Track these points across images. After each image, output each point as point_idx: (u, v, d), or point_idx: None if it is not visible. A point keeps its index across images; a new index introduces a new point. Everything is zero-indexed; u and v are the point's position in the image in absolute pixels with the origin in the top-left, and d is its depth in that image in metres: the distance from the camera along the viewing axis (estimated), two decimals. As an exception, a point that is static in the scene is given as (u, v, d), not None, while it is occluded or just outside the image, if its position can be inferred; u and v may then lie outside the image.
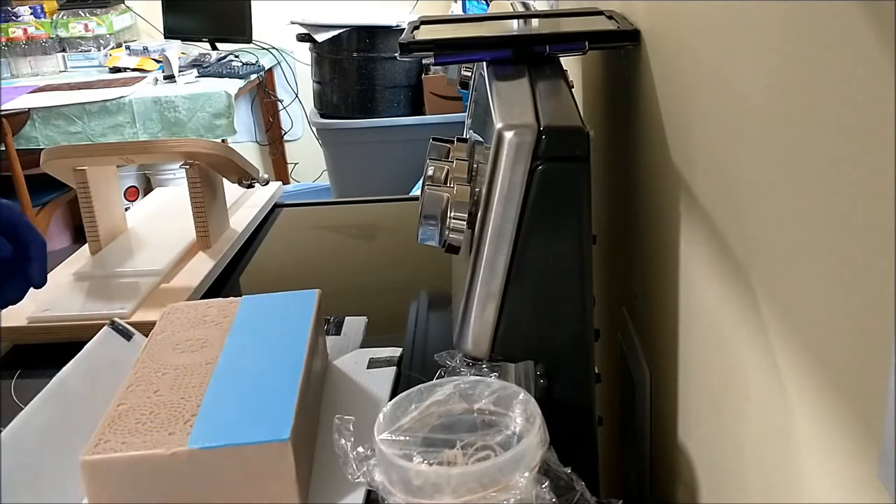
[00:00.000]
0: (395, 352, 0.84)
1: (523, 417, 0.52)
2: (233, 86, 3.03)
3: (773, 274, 0.45)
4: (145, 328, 0.82)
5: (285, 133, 3.74)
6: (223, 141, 2.89)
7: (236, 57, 3.32)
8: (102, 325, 0.85)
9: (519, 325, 0.65)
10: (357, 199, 1.60)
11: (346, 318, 0.94)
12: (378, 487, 0.52)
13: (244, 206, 1.30)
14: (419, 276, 1.11)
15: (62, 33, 3.53)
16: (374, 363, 0.83)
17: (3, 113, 2.79)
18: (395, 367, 0.82)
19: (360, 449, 0.54)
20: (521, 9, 1.00)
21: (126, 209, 1.24)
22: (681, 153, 0.65)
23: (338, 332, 0.91)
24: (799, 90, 0.40)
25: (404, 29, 0.83)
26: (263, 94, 3.63)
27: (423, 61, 2.26)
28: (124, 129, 2.96)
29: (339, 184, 2.90)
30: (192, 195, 1.12)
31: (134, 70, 3.31)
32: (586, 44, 0.76)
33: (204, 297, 1.04)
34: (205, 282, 1.06)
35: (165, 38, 3.52)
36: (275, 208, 1.37)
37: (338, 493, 0.65)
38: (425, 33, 0.82)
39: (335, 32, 2.74)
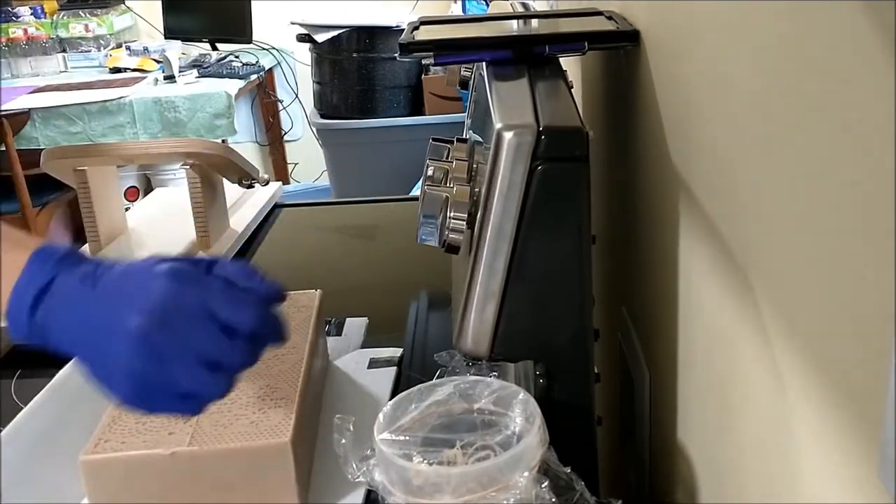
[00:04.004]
0: (396, 352, 0.84)
1: (523, 417, 0.52)
2: (233, 86, 3.03)
3: (773, 274, 0.45)
4: (145, 328, 0.81)
5: (285, 133, 3.73)
6: (223, 141, 2.89)
7: (236, 57, 3.31)
8: (102, 326, 0.84)
9: (519, 325, 0.65)
10: (357, 199, 1.60)
11: (347, 319, 0.94)
12: (378, 487, 0.52)
13: (244, 206, 1.30)
14: (419, 276, 1.10)
15: (62, 34, 3.53)
16: (374, 363, 0.83)
17: (3, 113, 2.78)
18: (395, 367, 0.82)
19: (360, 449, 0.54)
20: (520, 9, 1.00)
21: (126, 209, 1.24)
22: (681, 153, 0.65)
23: (339, 333, 0.91)
24: (798, 90, 0.40)
25: (404, 29, 0.83)
26: (263, 95, 3.62)
27: (423, 62, 2.26)
28: (124, 130, 2.95)
29: (339, 184, 2.90)
30: (192, 195, 1.12)
31: (134, 70, 3.31)
32: (586, 44, 0.76)
33: (204, 297, 1.04)
34: (205, 282, 1.06)
35: (165, 38, 3.51)
36: (275, 208, 1.37)
37: (338, 493, 0.66)
38: (425, 34, 0.82)
39: (335, 33, 2.73)
